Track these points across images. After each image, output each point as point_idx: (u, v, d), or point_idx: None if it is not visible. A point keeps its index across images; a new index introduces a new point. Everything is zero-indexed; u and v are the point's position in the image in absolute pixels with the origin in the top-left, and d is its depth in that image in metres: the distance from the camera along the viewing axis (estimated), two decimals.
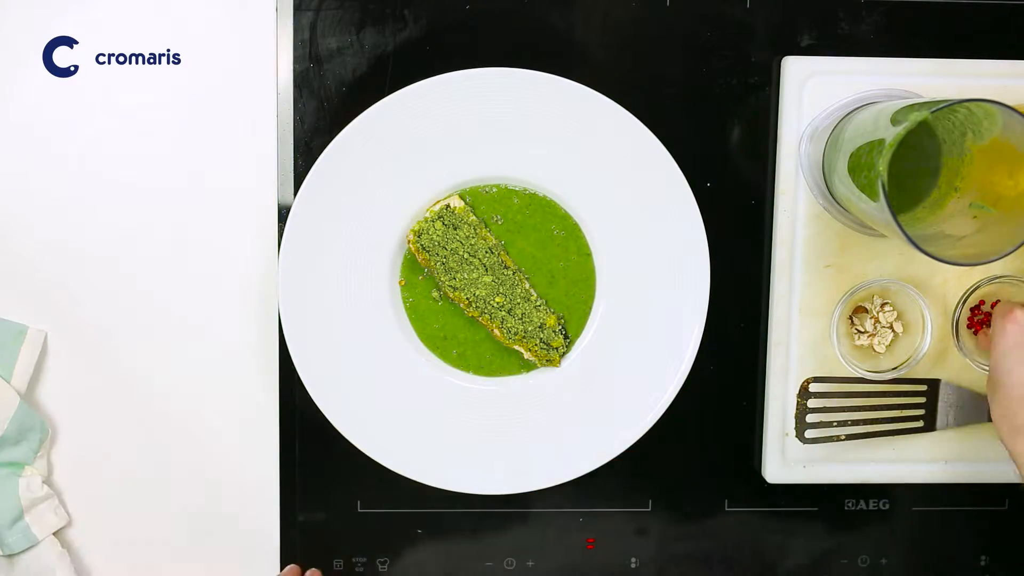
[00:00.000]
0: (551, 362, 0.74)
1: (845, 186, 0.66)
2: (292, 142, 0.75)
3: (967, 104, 0.61)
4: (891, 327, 0.75)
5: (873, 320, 0.75)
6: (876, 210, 0.62)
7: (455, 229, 0.72)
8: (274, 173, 0.75)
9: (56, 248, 0.75)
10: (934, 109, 0.59)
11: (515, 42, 0.74)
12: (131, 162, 0.75)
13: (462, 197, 0.73)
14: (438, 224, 0.72)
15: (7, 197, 0.74)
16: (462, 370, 0.75)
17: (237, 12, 0.74)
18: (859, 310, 0.75)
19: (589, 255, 0.74)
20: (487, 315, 0.73)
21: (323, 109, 0.74)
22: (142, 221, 0.75)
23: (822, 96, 0.73)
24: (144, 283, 0.75)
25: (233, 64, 0.74)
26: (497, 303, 0.73)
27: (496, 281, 0.73)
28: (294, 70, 0.74)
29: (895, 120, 0.61)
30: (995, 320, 0.71)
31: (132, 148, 0.75)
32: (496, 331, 0.73)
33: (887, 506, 0.79)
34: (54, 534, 0.76)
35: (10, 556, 0.74)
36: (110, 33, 0.74)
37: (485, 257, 0.73)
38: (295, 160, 0.75)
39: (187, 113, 0.75)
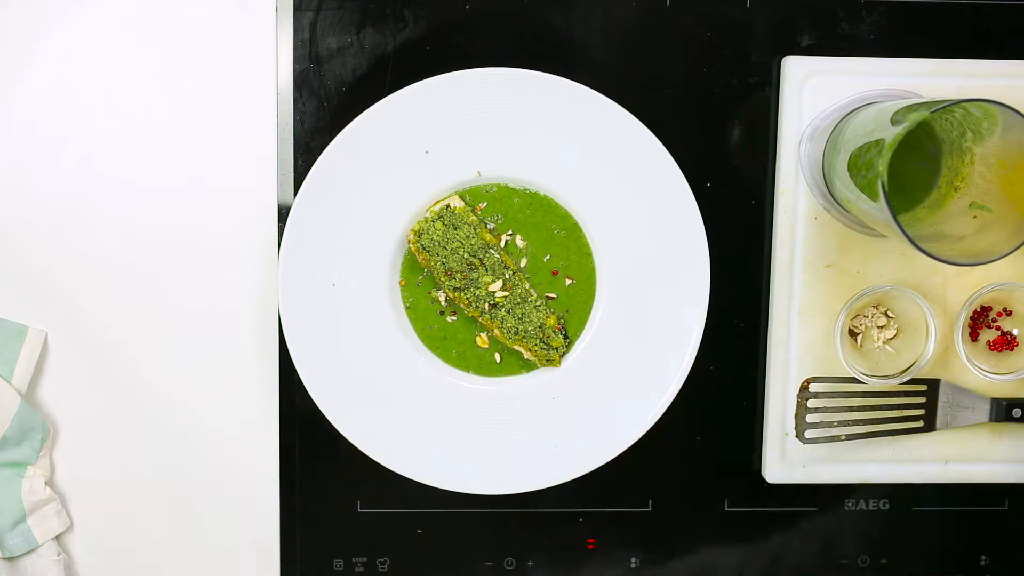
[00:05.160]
0: (551, 362, 0.74)
1: (845, 186, 0.66)
2: (292, 142, 0.75)
3: (967, 104, 0.61)
4: (888, 327, 0.75)
5: (875, 327, 0.75)
6: (876, 210, 0.62)
7: (455, 229, 0.72)
8: (274, 173, 0.75)
9: (56, 248, 0.75)
10: (934, 109, 0.59)
11: (515, 42, 0.74)
12: (131, 162, 0.75)
13: (462, 197, 0.73)
14: (438, 224, 0.72)
15: (7, 197, 0.74)
16: (462, 370, 0.75)
17: (237, 12, 0.74)
18: (861, 316, 0.75)
19: (589, 255, 0.74)
20: (487, 315, 0.73)
21: (323, 109, 0.74)
22: (142, 221, 0.75)
23: (822, 96, 0.73)
24: (144, 283, 0.75)
25: (233, 64, 0.74)
26: (497, 303, 0.73)
27: (496, 281, 0.73)
28: (294, 70, 0.74)
29: (895, 120, 0.61)
30: None
31: (132, 148, 0.75)
32: (496, 331, 0.73)
33: (887, 506, 0.79)
34: (54, 538, 0.75)
35: (10, 559, 0.74)
36: (110, 33, 0.74)
37: (485, 257, 0.73)
38: (295, 160, 0.75)
39: (187, 113, 0.75)
